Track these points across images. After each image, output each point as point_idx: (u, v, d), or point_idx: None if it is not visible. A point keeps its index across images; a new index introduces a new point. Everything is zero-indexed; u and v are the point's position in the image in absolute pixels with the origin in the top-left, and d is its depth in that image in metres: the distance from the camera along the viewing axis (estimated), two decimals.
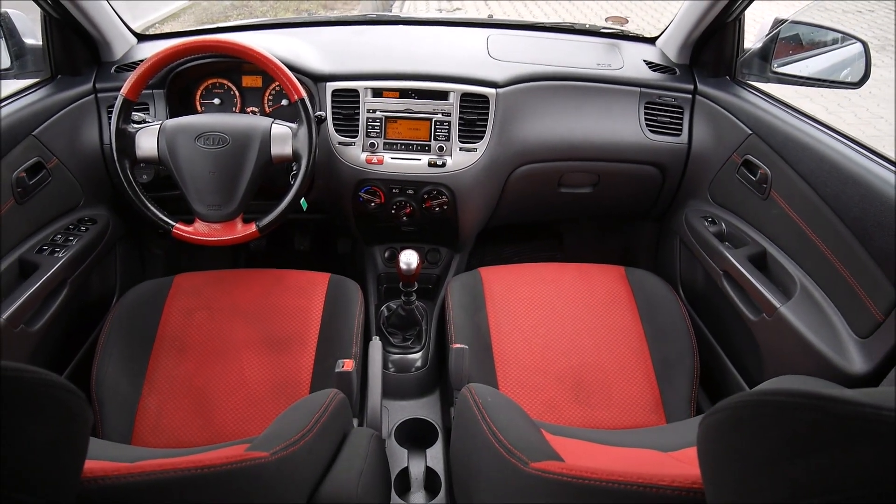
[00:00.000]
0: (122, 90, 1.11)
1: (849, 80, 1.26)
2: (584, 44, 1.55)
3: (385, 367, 1.40)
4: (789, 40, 1.34)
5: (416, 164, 1.35)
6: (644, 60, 1.47)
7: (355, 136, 1.35)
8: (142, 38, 1.50)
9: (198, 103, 1.43)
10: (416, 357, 1.43)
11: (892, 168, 0.92)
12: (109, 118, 1.33)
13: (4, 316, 1.02)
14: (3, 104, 1.17)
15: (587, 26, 1.64)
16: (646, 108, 1.41)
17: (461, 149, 1.34)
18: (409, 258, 1.21)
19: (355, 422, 0.96)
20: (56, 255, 1.17)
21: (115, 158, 1.12)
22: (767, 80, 1.35)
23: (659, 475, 0.48)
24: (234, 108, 1.43)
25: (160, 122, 1.15)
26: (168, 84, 1.34)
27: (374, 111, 1.34)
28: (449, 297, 1.30)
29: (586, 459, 0.70)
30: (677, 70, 1.45)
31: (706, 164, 1.38)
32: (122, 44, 1.42)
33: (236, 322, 1.19)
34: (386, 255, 1.58)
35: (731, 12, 1.28)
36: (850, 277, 0.95)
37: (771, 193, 1.16)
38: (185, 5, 6.50)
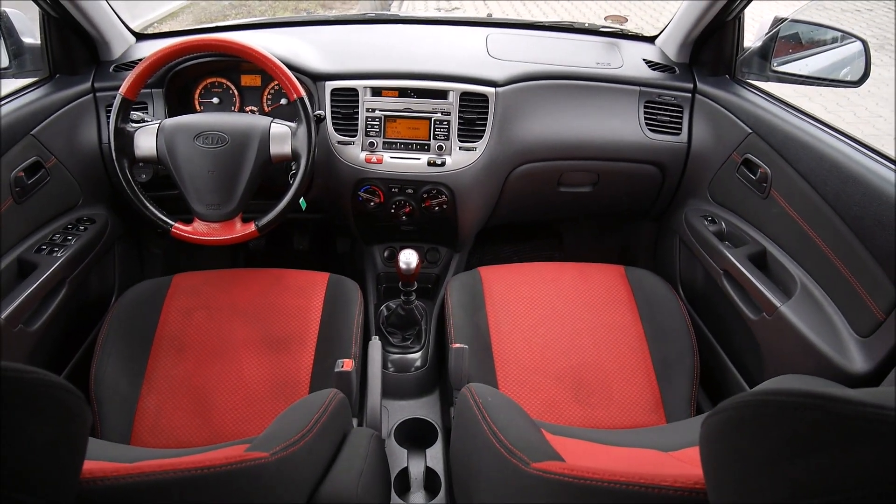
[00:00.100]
0: (120, 89, 1.10)
1: (849, 78, 1.26)
2: (583, 43, 1.54)
3: (384, 366, 1.40)
4: (789, 39, 1.33)
5: (415, 163, 1.34)
6: (643, 59, 1.47)
7: (354, 136, 1.35)
8: (140, 37, 1.49)
9: (196, 102, 1.42)
10: (416, 357, 1.43)
11: (893, 167, 0.92)
12: (108, 117, 1.32)
13: (3, 316, 1.01)
14: (1, 103, 1.17)
15: (586, 25, 1.64)
16: (645, 106, 1.41)
17: (460, 148, 1.34)
18: (408, 257, 1.21)
19: (354, 422, 0.96)
20: (55, 254, 1.17)
21: (114, 158, 1.12)
22: (767, 79, 1.35)
23: (661, 475, 0.48)
24: (232, 108, 1.42)
25: (159, 121, 1.14)
26: (167, 83, 1.34)
27: (374, 110, 1.34)
28: (448, 296, 1.30)
29: (587, 459, 0.70)
30: (677, 69, 1.45)
31: (706, 163, 1.38)
32: (120, 43, 1.42)
33: (235, 322, 1.19)
34: (385, 254, 1.58)
35: (731, 11, 1.28)
36: (851, 276, 0.95)
37: (771, 192, 1.16)
38: (184, 5, 6.49)
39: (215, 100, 1.42)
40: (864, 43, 1.23)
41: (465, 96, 1.33)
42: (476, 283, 1.31)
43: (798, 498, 0.34)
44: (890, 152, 0.96)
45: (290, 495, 0.57)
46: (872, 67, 1.22)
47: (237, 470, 0.51)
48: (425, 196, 1.37)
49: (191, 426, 1.05)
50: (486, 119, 1.33)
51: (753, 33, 1.36)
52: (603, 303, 1.26)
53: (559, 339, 1.19)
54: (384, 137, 1.35)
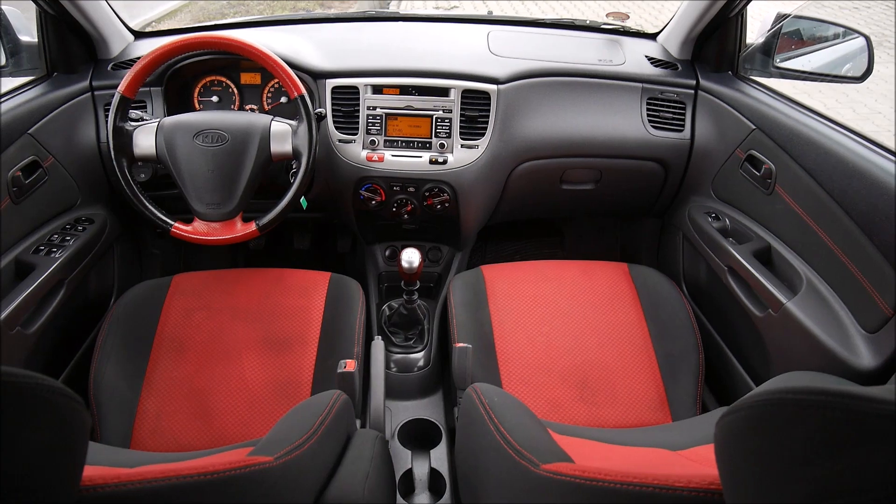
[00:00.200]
0: (119, 87, 1.09)
1: (851, 74, 1.25)
2: (585, 40, 1.54)
3: (387, 367, 1.39)
4: (791, 35, 1.33)
5: (417, 161, 1.33)
6: (646, 56, 1.46)
7: (355, 134, 1.34)
8: (139, 35, 1.48)
9: (196, 101, 1.41)
10: (419, 356, 1.42)
11: None
12: (106, 116, 1.31)
13: (1, 318, 1.00)
14: None
15: (588, 22, 1.63)
16: (648, 103, 1.40)
17: (462, 146, 1.33)
18: (410, 256, 1.20)
19: (358, 423, 0.95)
20: (53, 255, 1.15)
21: (113, 157, 1.10)
22: (770, 76, 1.34)
23: (674, 476, 0.47)
24: (232, 106, 1.41)
25: (158, 119, 1.13)
26: (166, 81, 1.33)
27: (375, 108, 1.33)
28: (451, 295, 1.29)
29: (595, 460, 0.69)
30: (679, 65, 1.44)
31: (709, 160, 1.37)
32: (118, 41, 1.41)
33: (236, 322, 1.18)
34: (387, 253, 1.57)
35: (734, 7, 1.27)
36: (857, 272, 0.94)
37: (775, 188, 1.15)
38: (182, 4, 6.47)
39: (215, 98, 1.40)
40: (867, 39, 1.23)
41: (466, 94, 1.32)
42: (479, 282, 1.30)
43: (820, 498, 0.33)
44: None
45: (295, 500, 0.56)
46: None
47: (241, 475, 0.50)
48: (427, 194, 1.36)
49: (192, 429, 1.04)
50: (487, 116, 1.32)
51: (755, 30, 1.36)
52: (606, 300, 1.25)
53: (563, 337, 1.18)
54: (385, 135, 1.34)
